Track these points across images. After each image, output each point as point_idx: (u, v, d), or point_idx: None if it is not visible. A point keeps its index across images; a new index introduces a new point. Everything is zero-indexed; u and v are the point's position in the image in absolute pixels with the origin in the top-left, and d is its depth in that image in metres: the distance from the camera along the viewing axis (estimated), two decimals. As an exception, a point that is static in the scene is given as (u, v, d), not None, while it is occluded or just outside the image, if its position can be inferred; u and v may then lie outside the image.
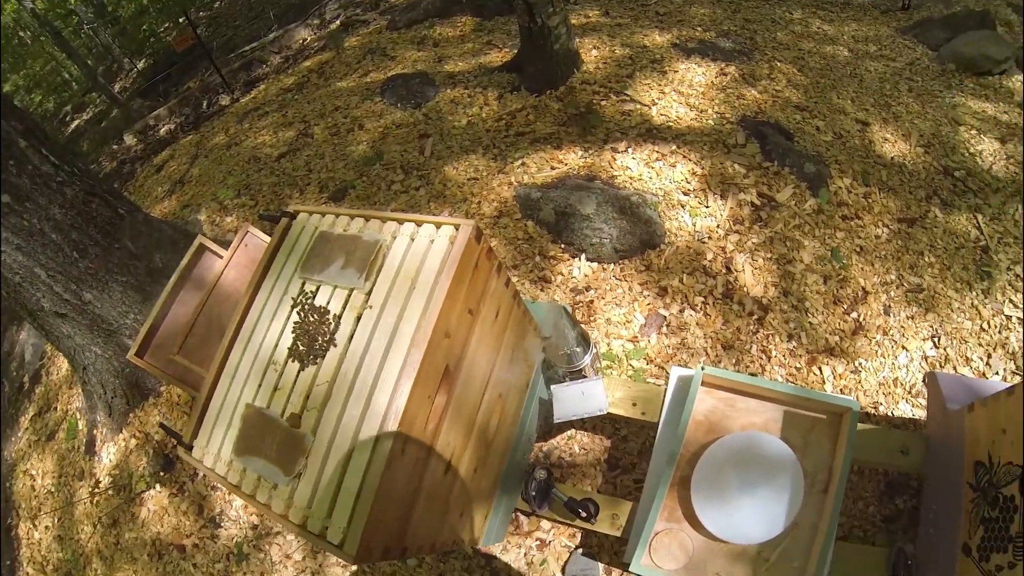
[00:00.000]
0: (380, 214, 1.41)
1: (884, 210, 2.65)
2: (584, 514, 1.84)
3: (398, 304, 1.25)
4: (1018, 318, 2.54)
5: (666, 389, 1.93)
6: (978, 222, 2.73)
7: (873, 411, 2.29)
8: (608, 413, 2.04)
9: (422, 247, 1.32)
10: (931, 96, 3.20)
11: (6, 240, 2.26)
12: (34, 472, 3.30)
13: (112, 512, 2.86)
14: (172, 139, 6.04)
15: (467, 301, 1.34)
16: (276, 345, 1.34)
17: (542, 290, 2.61)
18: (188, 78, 7.71)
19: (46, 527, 3.07)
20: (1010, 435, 1.41)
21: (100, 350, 2.78)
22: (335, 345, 1.27)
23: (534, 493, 1.85)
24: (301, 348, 1.30)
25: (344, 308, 1.30)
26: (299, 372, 1.29)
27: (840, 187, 2.67)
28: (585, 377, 1.92)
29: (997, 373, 2.43)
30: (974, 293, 2.54)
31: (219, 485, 1.45)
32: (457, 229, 1.32)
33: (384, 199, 3.26)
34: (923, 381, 2.35)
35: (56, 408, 3.46)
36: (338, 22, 6.26)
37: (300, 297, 1.36)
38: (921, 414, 2.31)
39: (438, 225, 1.34)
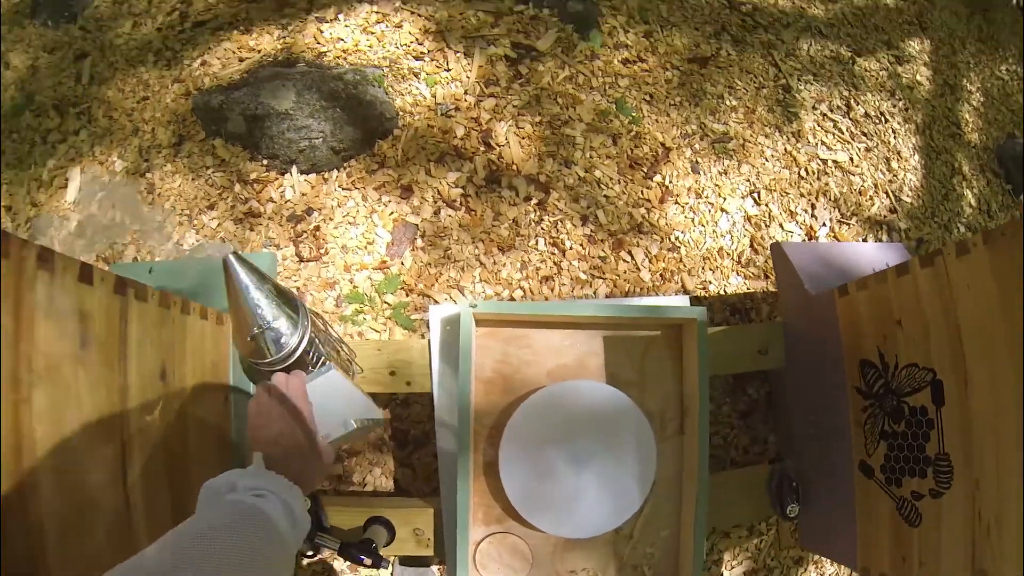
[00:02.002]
0: None
1: (671, 50, 2.14)
2: (368, 560, 1.09)
3: None
4: (833, 160, 2.19)
5: (428, 341, 1.28)
6: (774, 59, 2.36)
7: (702, 292, 1.80)
8: (372, 395, 1.34)
9: None
10: (701, -74, 2.75)
11: None
12: None
13: None
14: None
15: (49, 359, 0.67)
16: None
17: (251, 229, 1.82)
18: None
19: None
20: (910, 329, 1.04)
21: None
22: None
23: None
24: None
25: None
26: None
27: (615, 26, 2.10)
28: (312, 366, 1.05)
29: (824, 224, 2.08)
30: (785, 137, 2.17)
31: None
32: None
33: (40, 156, 2.27)
34: (769, 251, 1.90)
35: None
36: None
37: None
38: (758, 285, 1.86)
39: None
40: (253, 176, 1.85)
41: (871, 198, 2.19)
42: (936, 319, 0.96)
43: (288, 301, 0.97)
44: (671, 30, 2.17)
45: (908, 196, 2.26)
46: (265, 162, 1.85)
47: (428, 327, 1.66)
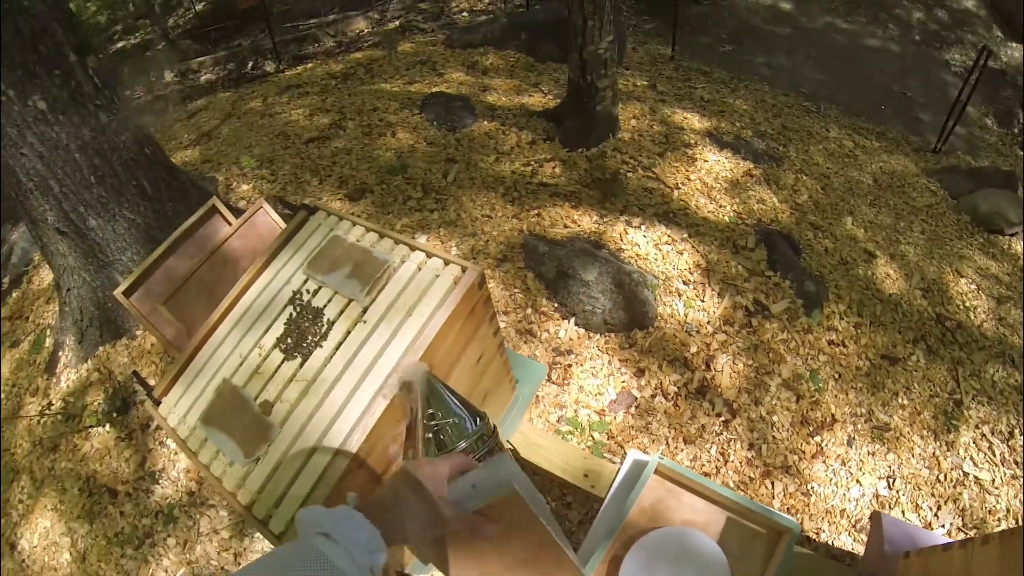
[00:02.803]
0: (395, 235, 1.46)
1: (870, 344, 2.71)
2: None
3: (391, 327, 1.29)
4: (975, 477, 2.58)
5: (619, 468, 1.97)
6: (957, 375, 2.78)
7: (814, 536, 2.33)
8: (558, 478, 2.07)
9: (426, 278, 1.35)
10: (941, 242, 3.28)
11: (30, 146, 2.30)
12: (-12, 371, 3.26)
13: (56, 437, 2.82)
14: (210, 90, 6.09)
15: (456, 341, 1.37)
16: (267, 330, 1.37)
17: (525, 342, 2.66)
18: (241, 34, 7.78)
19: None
20: (937, 590, 1.46)
21: (89, 277, 2.78)
22: (321, 347, 1.30)
23: None
24: (290, 341, 1.33)
25: (339, 316, 1.34)
26: (282, 362, 1.31)
27: (834, 311, 2.73)
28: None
29: (943, 526, 2.45)
30: (938, 443, 2.58)
31: (177, 447, 1.48)
32: (464, 271, 1.37)
33: (397, 211, 3.29)
34: (868, 518, 2.39)
35: (28, 318, 3.45)
36: (397, 23, 6.37)
37: (300, 292, 1.40)
38: (860, 549, 2.34)
39: (447, 262, 1.39)
40: (543, 309, 2.70)
41: (1000, 520, 2.52)
42: (958, 583, 1.38)
43: (474, 412, 1.19)
44: (878, 328, 2.75)
45: (1037, 532, 2.56)
46: (556, 304, 2.70)
47: (611, 460, 2.38)
